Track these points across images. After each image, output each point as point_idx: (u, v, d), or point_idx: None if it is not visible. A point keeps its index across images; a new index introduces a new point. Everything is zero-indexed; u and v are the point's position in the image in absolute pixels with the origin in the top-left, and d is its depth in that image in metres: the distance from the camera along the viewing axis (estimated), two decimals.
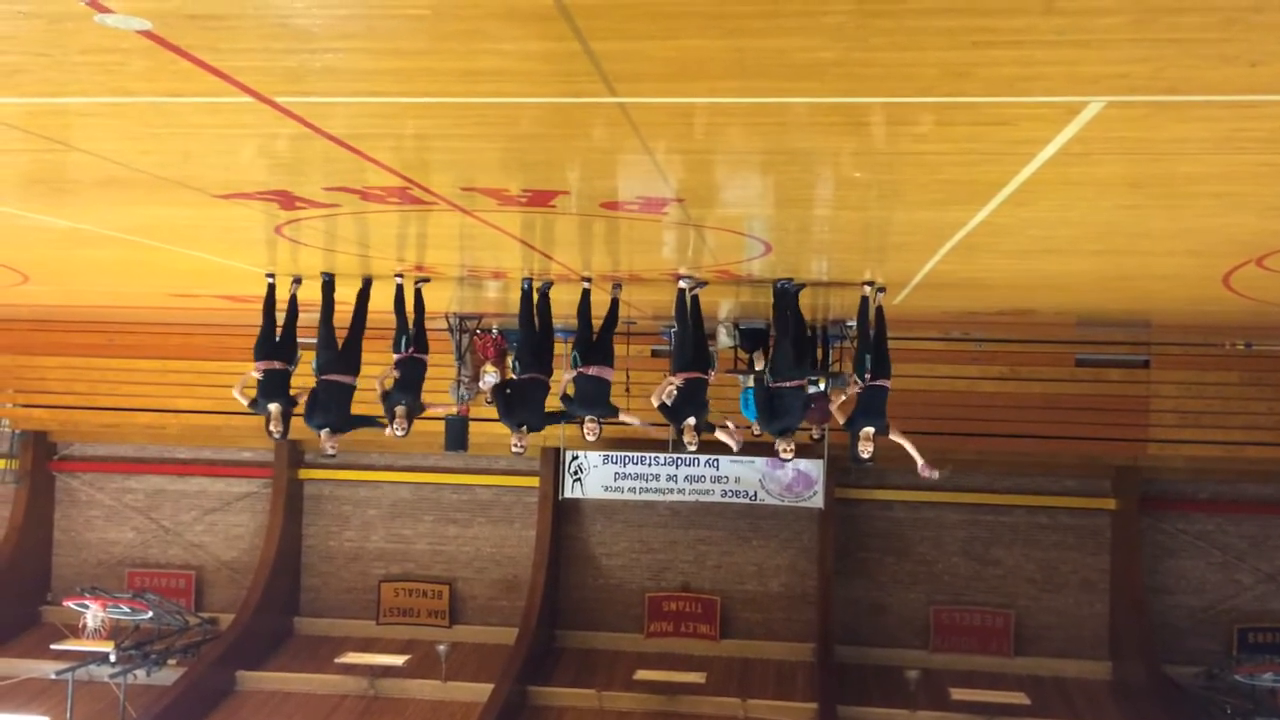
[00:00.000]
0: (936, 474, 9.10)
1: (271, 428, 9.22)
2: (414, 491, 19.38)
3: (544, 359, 9.32)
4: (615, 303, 9.57)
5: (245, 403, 9.42)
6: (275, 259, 8.87)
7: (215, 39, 3.35)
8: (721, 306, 11.55)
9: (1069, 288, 9.45)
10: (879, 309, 9.08)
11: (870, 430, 8.78)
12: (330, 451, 9.52)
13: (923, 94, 3.75)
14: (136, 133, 4.64)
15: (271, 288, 9.44)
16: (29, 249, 8.78)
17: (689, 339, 9.01)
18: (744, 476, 17.17)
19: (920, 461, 8.98)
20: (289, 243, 7.71)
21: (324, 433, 9.27)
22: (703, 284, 9.03)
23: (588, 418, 9.18)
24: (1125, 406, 16.74)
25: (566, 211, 6.32)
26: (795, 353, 9.01)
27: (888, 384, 8.86)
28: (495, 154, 4.99)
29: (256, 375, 9.29)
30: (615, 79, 3.65)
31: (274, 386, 9.21)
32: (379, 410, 9.62)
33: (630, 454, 17.12)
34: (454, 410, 12.42)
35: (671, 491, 17.39)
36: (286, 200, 6.13)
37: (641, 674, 16.88)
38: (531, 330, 9.31)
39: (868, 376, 8.79)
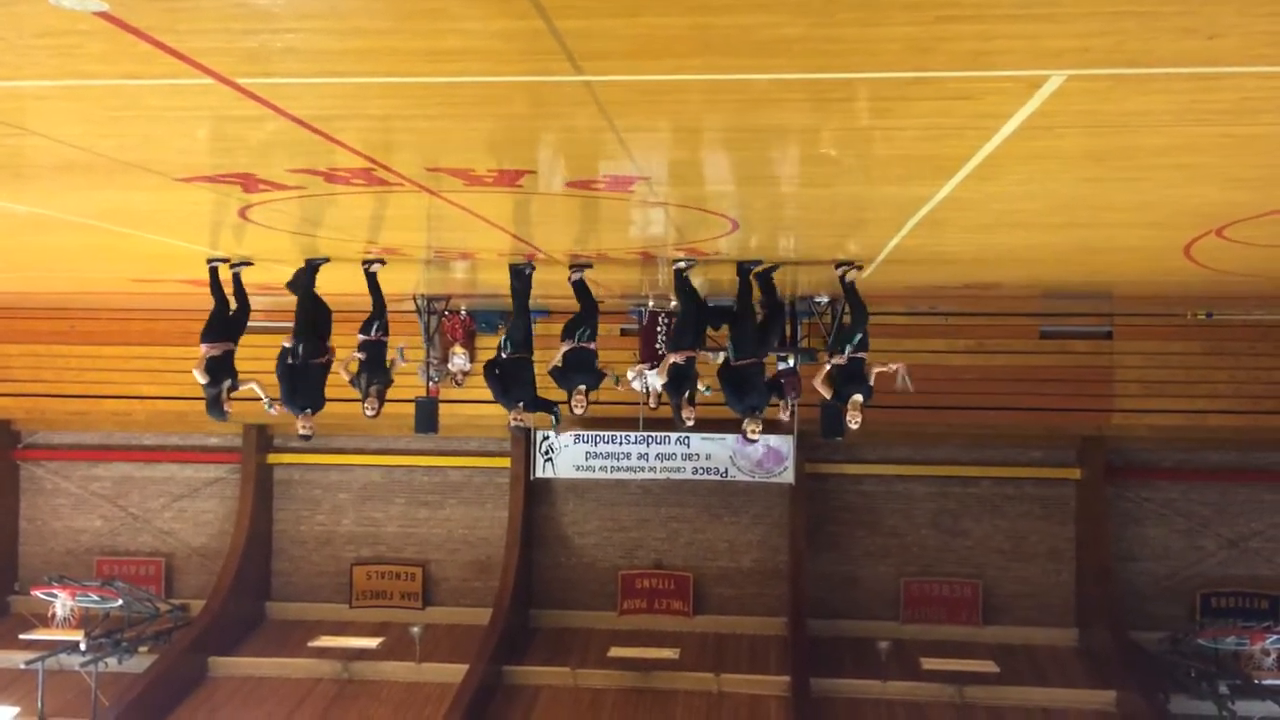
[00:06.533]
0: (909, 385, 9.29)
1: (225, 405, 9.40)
2: (385, 474, 19.31)
3: (530, 339, 9.57)
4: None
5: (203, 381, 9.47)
6: (238, 241, 8.80)
7: (174, 20, 3.30)
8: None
9: (1033, 261, 9.53)
10: (850, 285, 9.17)
11: (859, 399, 8.89)
12: (306, 433, 9.51)
13: (887, 69, 3.76)
14: (95, 116, 4.57)
15: (214, 271, 9.54)
16: None
17: (690, 319, 9.09)
18: (715, 453, 17.25)
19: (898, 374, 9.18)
20: (253, 226, 7.64)
21: (304, 413, 9.37)
22: (693, 262, 9.11)
23: (576, 390, 9.28)
24: (1089, 377, 16.95)
25: (534, 191, 6.30)
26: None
27: (865, 355, 9.08)
28: (461, 134, 4.96)
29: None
30: (580, 57, 3.64)
31: (223, 366, 9.44)
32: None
33: (601, 433, 17.15)
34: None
35: (643, 470, 17.45)
36: (250, 183, 6.07)
37: (615, 651, 16.96)
38: (524, 311, 9.51)
39: (849, 349, 8.95)
